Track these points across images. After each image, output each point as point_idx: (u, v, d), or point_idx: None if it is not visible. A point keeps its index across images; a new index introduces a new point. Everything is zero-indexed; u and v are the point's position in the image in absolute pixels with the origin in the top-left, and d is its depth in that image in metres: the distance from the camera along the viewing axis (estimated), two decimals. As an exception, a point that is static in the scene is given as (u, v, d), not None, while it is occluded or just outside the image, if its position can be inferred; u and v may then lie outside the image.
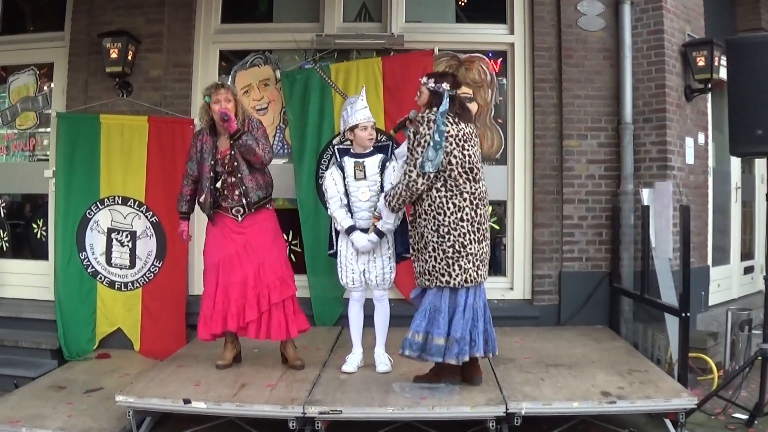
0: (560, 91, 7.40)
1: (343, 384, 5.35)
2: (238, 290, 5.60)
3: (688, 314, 5.66)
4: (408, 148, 5.15)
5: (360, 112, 5.61)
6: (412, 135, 5.12)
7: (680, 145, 7.29)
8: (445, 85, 5.18)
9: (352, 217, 5.60)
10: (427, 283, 5.17)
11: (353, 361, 5.68)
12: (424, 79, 5.30)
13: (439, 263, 5.09)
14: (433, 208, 5.10)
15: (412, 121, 5.32)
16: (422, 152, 5.01)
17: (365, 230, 5.54)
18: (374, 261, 5.62)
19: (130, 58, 7.29)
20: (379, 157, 5.66)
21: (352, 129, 5.64)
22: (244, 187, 5.60)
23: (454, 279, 5.08)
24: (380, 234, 5.50)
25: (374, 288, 5.67)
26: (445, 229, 5.07)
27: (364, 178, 5.58)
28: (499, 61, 7.75)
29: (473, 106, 7.64)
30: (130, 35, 7.28)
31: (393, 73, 7.33)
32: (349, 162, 5.65)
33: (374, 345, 5.75)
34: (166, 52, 7.51)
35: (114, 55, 7.20)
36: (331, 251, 5.87)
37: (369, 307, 5.78)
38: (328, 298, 7.24)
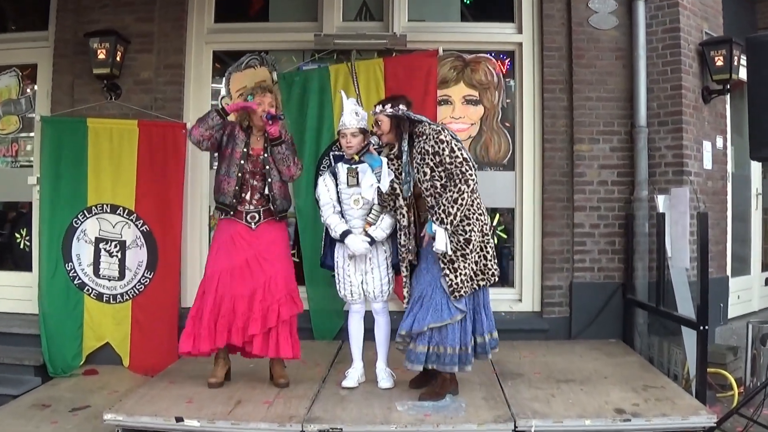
0: (571, 93, 7.43)
1: (344, 400, 5.35)
2: (245, 303, 5.57)
3: (707, 327, 5.66)
4: (455, 166, 5.16)
5: (342, 118, 5.68)
6: (445, 143, 5.19)
7: (697, 149, 7.31)
8: (403, 107, 5.40)
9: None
10: (475, 287, 5.33)
11: (354, 376, 5.69)
12: (378, 108, 5.46)
13: (489, 261, 5.36)
14: (474, 209, 5.25)
15: (375, 147, 5.56)
16: (468, 161, 5.21)
17: None
18: (372, 272, 5.66)
19: (118, 59, 7.31)
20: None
21: (338, 135, 5.76)
22: (272, 193, 5.65)
23: (493, 276, 5.40)
24: (371, 240, 5.56)
25: (373, 300, 5.70)
26: (486, 228, 5.37)
27: (357, 184, 5.61)
28: (507, 61, 7.78)
29: (479, 109, 7.67)
30: (119, 35, 7.30)
31: (395, 75, 7.36)
32: (342, 168, 5.69)
33: (375, 359, 5.76)
34: (156, 52, 7.54)
35: (101, 56, 7.22)
36: (322, 261, 5.92)
37: (369, 320, 5.79)
38: (327, 310, 7.25)
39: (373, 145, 5.57)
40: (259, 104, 5.64)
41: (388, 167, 5.43)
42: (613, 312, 7.31)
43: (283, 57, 7.84)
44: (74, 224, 7.27)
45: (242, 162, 5.63)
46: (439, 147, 5.20)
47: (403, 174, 5.39)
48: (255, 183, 5.67)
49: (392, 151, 5.61)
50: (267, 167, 5.65)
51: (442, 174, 5.21)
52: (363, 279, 5.67)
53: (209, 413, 5.06)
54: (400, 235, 5.50)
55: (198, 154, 7.48)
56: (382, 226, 5.57)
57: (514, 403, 5.24)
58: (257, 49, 7.80)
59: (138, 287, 7.26)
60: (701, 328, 5.67)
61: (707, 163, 7.46)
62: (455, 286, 5.21)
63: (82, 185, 7.27)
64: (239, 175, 5.62)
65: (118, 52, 7.29)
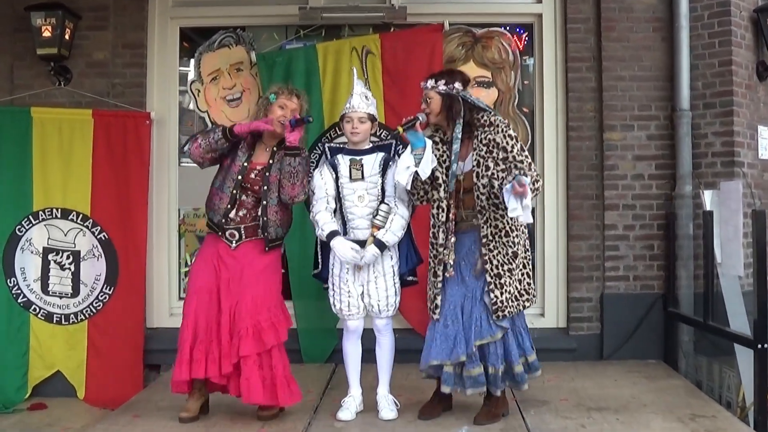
0: (600, 72, 7.43)
1: (340, 434, 5.34)
2: (212, 332, 5.51)
3: (766, 346, 5.62)
4: (525, 166, 5.24)
5: (350, 100, 5.64)
6: (514, 140, 5.28)
7: (751, 136, 7.32)
8: (458, 86, 5.37)
9: (345, 226, 5.60)
10: (528, 304, 5.48)
11: (351, 406, 5.65)
12: (430, 83, 5.42)
13: (531, 280, 5.51)
14: (520, 222, 5.31)
15: (422, 124, 5.41)
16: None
17: (362, 242, 5.52)
18: (375, 282, 5.60)
19: (67, 37, 7.31)
20: (379, 155, 5.64)
21: (341, 119, 5.70)
22: (265, 218, 5.54)
23: (534, 298, 5.58)
24: (381, 246, 5.49)
25: (376, 316, 5.64)
26: (528, 244, 5.53)
27: (362, 178, 5.57)
28: (524, 36, 7.79)
29: (492, 92, 7.67)
30: (67, 9, 7.27)
31: (394, 54, 7.36)
32: (343, 160, 5.64)
33: (376, 386, 5.71)
34: (113, 29, 7.53)
35: (47, 34, 7.20)
36: (316, 271, 5.85)
37: (367, 340, 5.75)
38: (318, 329, 7.25)
39: (421, 121, 5.43)
40: (282, 107, 5.56)
41: (432, 152, 5.40)
42: (652, 328, 7.30)
43: (262, 34, 7.84)
44: (17, 232, 7.26)
45: (239, 177, 5.55)
46: (507, 142, 5.26)
47: (452, 164, 5.37)
48: (245, 199, 5.58)
49: (438, 134, 5.56)
50: (266, 187, 5.54)
51: (502, 173, 5.23)
52: (364, 290, 5.61)
53: (182, 452, 5.03)
54: (437, 232, 5.46)
55: (165, 149, 7.50)
56: (393, 229, 5.49)
57: (539, 435, 5.22)
58: (232, 25, 7.80)
59: (95, 305, 7.24)
60: (759, 346, 5.63)
61: (763, 152, 7.47)
62: (500, 305, 5.27)
63: (26, 186, 7.27)
64: (233, 192, 5.54)
65: (67, 29, 7.28)
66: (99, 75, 7.48)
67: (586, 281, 7.44)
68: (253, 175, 5.55)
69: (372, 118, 5.62)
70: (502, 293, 5.26)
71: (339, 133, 7.23)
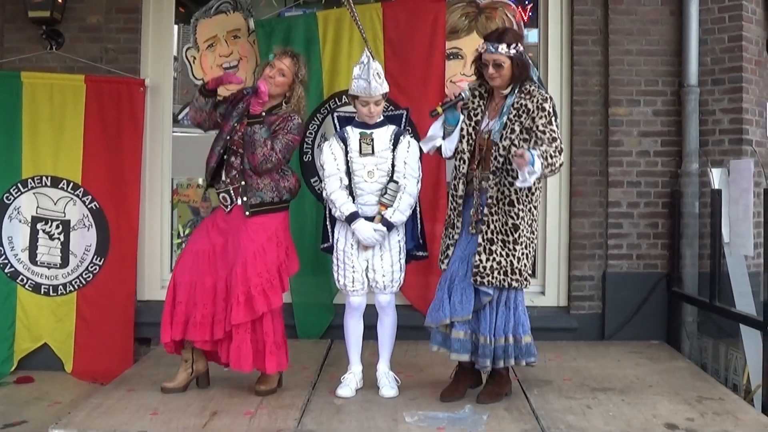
0: (606, 45, 7.39)
1: (340, 411, 5.30)
2: (207, 296, 5.51)
3: (774, 327, 5.64)
4: (540, 125, 5.22)
5: (358, 82, 5.51)
6: (546, 113, 5.23)
7: (760, 113, 7.28)
8: (521, 48, 5.32)
9: (353, 202, 5.55)
10: (516, 285, 5.31)
11: (351, 382, 5.62)
12: (502, 47, 5.24)
13: (528, 262, 5.39)
14: (532, 199, 5.32)
15: (465, 103, 5.39)
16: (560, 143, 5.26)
17: (370, 219, 5.48)
18: (380, 257, 5.56)
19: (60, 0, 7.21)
20: (390, 129, 5.60)
21: (353, 99, 5.62)
22: (243, 182, 5.50)
23: (527, 281, 5.42)
24: (389, 226, 5.46)
25: (379, 292, 5.61)
26: (536, 226, 5.46)
27: (372, 153, 5.52)
28: (529, 7, 7.75)
29: (497, 65, 7.61)
30: (60, -30, 7.20)
31: (396, 23, 7.31)
32: (353, 133, 5.58)
33: (375, 362, 5.71)
34: (107, -8, 7.45)
35: (39, -5, 7.13)
36: (325, 245, 5.79)
37: (367, 316, 5.73)
38: (313, 304, 7.23)
39: (464, 100, 5.36)
40: (272, 67, 5.52)
41: (466, 109, 5.39)
42: (655, 308, 7.30)
43: (261, 0, 7.77)
44: (5, 200, 7.23)
45: (227, 137, 5.55)
46: (538, 113, 5.22)
47: (488, 120, 5.37)
48: (234, 160, 5.55)
49: (481, 88, 5.49)
50: (242, 149, 5.53)
51: (524, 142, 5.21)
52: (369, 265, 5.57)
53: (179, 427, 4.98)
54: (457, 184, 5.40)
55: (159, 117, 7.46)
56: (401, 208, 5.46)
57: (544, 415, 5.19)
58: (230, -10, 7.75)
59: (85, 276, 7.21)
60: (767, 328, 5.61)
61: (772, 130, 7.46)
62: (481, 270, 5.23)
63: (15, 153, 7.23)
64: (221, 152, 5.55)
65: (60, -8, 7.20)
66: (92, 40, 7.40)
67: (589, 259, 7.42)
68: (237, 138, 5.53)
69: (385, 95, 5.58)
70: (487, 260, 5.22)
71: (339, 103, 7.20)
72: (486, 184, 5.29)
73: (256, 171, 5.46)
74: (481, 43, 5.37)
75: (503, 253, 5.25)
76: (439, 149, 5.45)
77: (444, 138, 5.36)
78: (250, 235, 5.50)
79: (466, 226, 5.39)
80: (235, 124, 5.55)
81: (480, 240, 5.26)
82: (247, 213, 5.50)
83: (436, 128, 5.36)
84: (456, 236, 5.41)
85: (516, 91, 5.34)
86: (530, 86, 5.35)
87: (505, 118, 5.28)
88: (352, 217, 5.46)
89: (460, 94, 5.35)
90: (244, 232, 5.50)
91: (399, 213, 5.46)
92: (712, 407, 5.35)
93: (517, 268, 5.27)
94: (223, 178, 5.57)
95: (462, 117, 5.38)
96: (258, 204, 5.50)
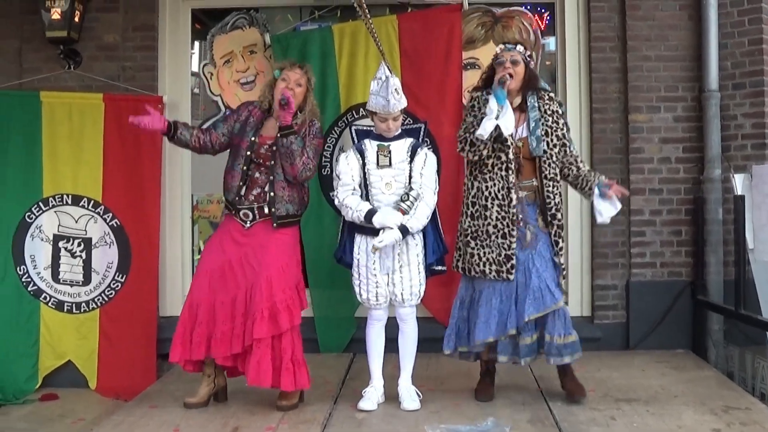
0: (624, 51, 7.37)
1: (362, 425, 5.31)
2: (226, 312, 5.53)
3: (802, 334, 5.61)
4: (566, 131, 5.65)
5: (376, 99, 5.53)
6: (563, 125, 5.62)
7: (783, 117, 7.24)
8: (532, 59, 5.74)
9: None
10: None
11: (372, 396, 5.62)
12: (519, 48, 5.58)
13: None
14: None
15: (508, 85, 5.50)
16: None
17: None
18: (400, 271, 5.57)
19: (77, 19, 7.27)
20: (408, 141, 5.62)
21: (371, 115, 5.65)
22: (272, 194, 5.55)
23: None
24: (404, 231, 5.44)
25: (399, 305, 5.62)
26: None
27: (389, 165, 5.54)
28: (546, 15, 7.75)
29: (514, 73, 7.63)
30: (76, -10, 7.25)
31: (412, 34, 7.32)
32: (371, 146, 5.60)
33: (397, 376, 5.70)
34: (123, 11, 7.51)
35: (56, 16, 7.17)
36: (339, 257, 5.79)
37: (389, 328, 5.74)
38: (335, 318, 7.23)
39: (508, 81, 5.43)
40: (284, 80, 5.59)
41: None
42: (680, 317, 7.27)
43: (276, 15, 7.82)
44: (27, 219, 7.27)
45: (248, 153, 5.58)
46: (563, 118, 5.61)
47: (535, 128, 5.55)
48: (258, 176, 5.60)
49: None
50: (273, 161, 5.56)
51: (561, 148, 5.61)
52: (389, 278, 5.58)
53: (200, 442, 5.02)
54: (506, 194, 5.48)
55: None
56: (418, 215, 5.45)
57: (567, 427, 5.17)
58: (245, 6, 7.79)
59: (107, 293, 7.25)
60: (795, 335, 5.60)
61: (794, 134, 7.38)
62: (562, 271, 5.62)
63: (36, 172, 7.27)
64: (244, 168, 5.57)
65: (77, 11, 7.25)
66: (109, 58, 7.46)
67: (612, 268, 7.40)
68: (263, 150, 5.59)
69: (403, 111, 5.62)
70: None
71: (356, 116, 7.22)
72: (552, 190, 5.52)
73: (295, 181, 5.55)
74: (498, 48, 5.64)
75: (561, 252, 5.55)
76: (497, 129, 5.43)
77: (497, 119, 5.36)
78: (275, 251, 5.55)
79: (522, 234, 5.52)
80: (253, 138, 5.59)
81: (550, 242, 5.55)
82: (275, 225, 5.55)
83: (490, 108, 5.38)
84: (514, 245, 5.48)
85: (537, 98, 5.55)
86: (545, 93, 5.59)
87: (534, 127, 5.49)
88: (370, 214, 5.44)
89: (505, 74, 5.42)
90: (269, 249, 5.54)
91: (415, 220, 5.45)
92: (738, 417, 5.30)
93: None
94: (245, 194, 5.59)
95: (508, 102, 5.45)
96: (284, 216, 5.58)
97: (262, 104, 5.72)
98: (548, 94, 5.65)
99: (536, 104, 5.54)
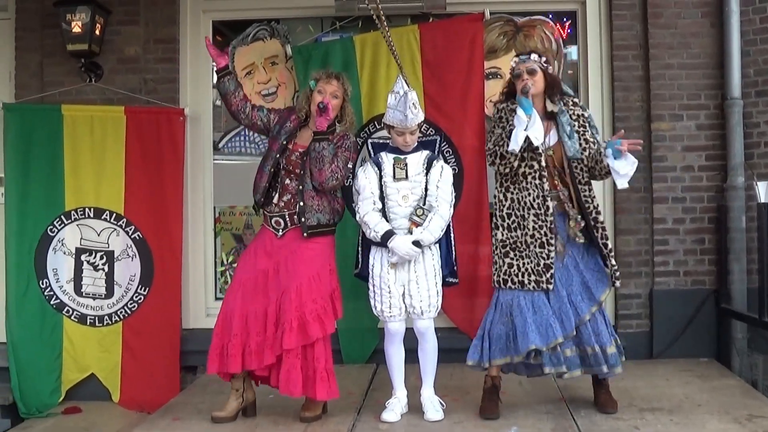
0: (647, 60, 7.38)
1: (385, 436, 5.36)
2: (259, 323, 5.57)
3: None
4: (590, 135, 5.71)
5: (394, 113, 5.55)
6: (581, 120, 5.67)
7: (807, 125, 7.24)
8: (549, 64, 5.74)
9: None
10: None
11: (395, 407, 5.65)
12: (534, 56, 5.60)
13: None
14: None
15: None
16: None
17: None
18: (416, 282, 5.58)
19: (98, 32, 7.35)
20: (423, 154, 5.64)
21: (388, 128, 5.68)
22: (302, 203, 5.60)
23: None
24: (417, 244, 5.46)
25: (417, 317, 5.61)
26: None
27: (406, 178, 5.57)
28: (568, 24, 7.77)
29: (536, 83, 7.65)
30: (97, 4, 7.31)
31: (433, 44, 7.35)
32: (387, 158, 5.63)
33: (420, 386, 5.72)
34: (144, 24, 7.59)
35: (77, 30, 7.24)
36: (358, 271, 5.85)
37: (408, 340, 5.74)
38: (358, 329, 7.22)
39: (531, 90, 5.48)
40: (320, 92, 5.63)
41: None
42: (704, 325, 7.27)
43: (297, 26, 7.86)
44: (49, 233, 7.33)
45: (277, 156, 5.63)
46: (588, 121, 5.69)
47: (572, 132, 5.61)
48: (289, 183, 5.66)
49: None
50: (302, 171, 5.62)
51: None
52: (405, 290, 5.60)
53: (224, 454, 5.06)
54: (542, 203, 5.51)
55: (200, 146, 7.58)
56: (431, 228, 5.46)
57: (591, 436, 5.20)
58: (266, 17, 7.82)
59: (130, 306, 7.30)
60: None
61: (816, 142, 7.38)
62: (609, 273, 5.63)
63: (58, 186, 7.34)
64: (272, 170, 5.62)
65: (98, 24, 7.32)
66: (130, 71, 7.53)
67: (635, 277, 7.40)
68: (294, 158, 5.64)
69: (421, 125, 5.66)
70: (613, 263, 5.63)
71: (378, 127, 7.25)
72: (588, 194, 5.60)
73: (321, 187, 5.59)
74: (512, 60, 5.66)
75: (601, 255, 5.60)
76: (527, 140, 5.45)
77: (526, 129, 5.39)
78: (305, 260, 5.59)
79: (560, 242, 5.57)
80: (285, 143, 5.65)
81: (592, 247, 5.60)
82: (305, 234, 5.58)
83: (519, 121, 5.41)
84: (553, 254, 5.50)
85: (563, 104, 5.59)
86: (569, 99, 5.67)
87: (570, 130, 5.55)
88: (387, 236, 5.47)
89: (524, 86, 5.45)
90: (300, 257, 5.59)
91: (428, 233, 5.45)
92: (763, 426, 5.30)
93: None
94: (276, 201, 5.65)
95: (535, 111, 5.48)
96: (315, 225, 5.60)
97: (299, 112, 5.76)
98: (572, 100, 5.70)
99: (564, 108, 5.58)
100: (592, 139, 5.62)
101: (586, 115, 5.70)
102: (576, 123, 5.60)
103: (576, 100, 5.77)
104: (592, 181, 5.63)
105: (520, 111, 5.32)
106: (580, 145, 5.55)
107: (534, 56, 5.57)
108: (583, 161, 5.55)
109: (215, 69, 5.76)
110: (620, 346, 5.64)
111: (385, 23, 5.85)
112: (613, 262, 5.57)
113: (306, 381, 5.49)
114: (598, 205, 5.64)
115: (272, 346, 5.50)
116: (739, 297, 7.06)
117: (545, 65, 5.58)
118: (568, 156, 5.52)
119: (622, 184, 5.44)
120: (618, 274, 5.57)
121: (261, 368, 5.54)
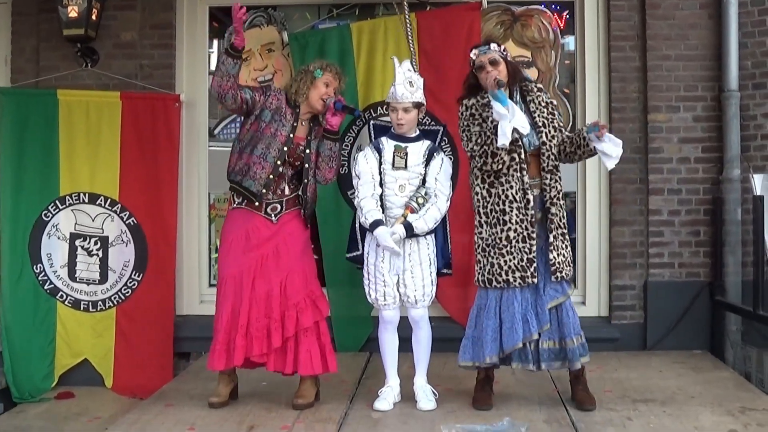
0: (644, 51, 7.37)
1: (378, 424, 5.34)
2: (262, 307, 5.55)
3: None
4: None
5: (394, 88, 5.54)
6: (549, 107, 5.59)
7: (803, 118, 7.23)
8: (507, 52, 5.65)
9: (382, 213, 5.56)
10: (571, 274, 5.69)
11: (388, 396, 5.65)
12: (494, 46, 5.52)
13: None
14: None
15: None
16: None
17: None
18: (411, 271, 5.57)
19: (94, 17, 7.31)
20: (425, 144, 5.61)
21: (387, 106, 5.69)
22: (306, 196, 5.66)
23: None
24: (409, 229, 5.44)
25: (411, 306, 5.62)
26: None
27: (405, 167, 5.54)
28: (565, 14, 7.77)
29: (532, 72, 7.64)
30: (94, -13, 7.30)
31: (431, 33, 7.34)
32: (388, 145, 5.61)
33: (413, 375, 5.72)
34: (141, 9, 7.57)
35: (73, 14, 7.19)
36: (350, 254, 5.85)
37: (403, 328, 5.75)
38: (352, 317, 7.25)
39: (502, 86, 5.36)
40: (326, 84, 5.63)
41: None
42: (698, 317, 7.27)
43: (294, 13, 7.85)
44: (44, 218, 7.33)
45: (285, 149, 5.58)
46: (555, 109, 5.63)
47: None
48: (289, 174, 5.66)
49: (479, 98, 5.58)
50: (307, 165, 5.63)
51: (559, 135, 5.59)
52: (399, 279, 5.59)
53: (216, 441, 5.05)
54: (524, 195, 5.43)
55: (195, 132, 7.57)
56: (426, 217, 5.45)
57: (583, 427, 5.19)
58: (263, 4, 7.82)
59: (124, 292, 7.31)
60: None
61: (813, 135, 7.38)
62: (557, 266, 5.47)
63: (53, 171, 7.33)
64: (277, 162, 5.57)
65: (94, 9, 7.27)
66: (127, 56, 7.52)
67: (629, 268, 7.41)
68: (299, 151, 5.64)
69: (418, 105, 5.55)
70: (558, 255, 5.43)
71: (373, 115, 7.27)
72: (549, 183, 5.48)
73: (325, 182, 5.77)
74: (472, 53, 5.56)
75: (564, 245, 5.51)
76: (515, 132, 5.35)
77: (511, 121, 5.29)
78: (303, 241, 5.72)
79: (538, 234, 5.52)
80: (291, 136, 5.60)
81: (551, 238, 5.46)
82: (308, 226, 5.74)
83: (498, 114, 5.26)
84: (535, 248, 5.45)
85: (520, 91, 5.56)
86: (532, 85, 5.62)
87: (535, 118, 5.48)
88: (374, 225, 5.45)
89: (495, 79, 5.32)
90: (297, 239, 5.68)
91: (422, 221, 5.43)
92: (756, 418, 5.30)
93: (571, 258, 5.57)
94: (273, 188, 5.61)
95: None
96: (311, 215, 5.79)
97: (289, 97, 5.68)
98: (536, 86, 5.65)
99: (519, 98, 5.52)
100: (560, 126, 5.59)
101: (551, 101, 5.64)
102: (545, 110, 5.54)
103: (540, 86, 5.72)
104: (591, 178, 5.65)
105: (497, 105, 5.19)
106: (548, 132, 5.49)
107: (494, 46, 5.50)
108: (551, 149, 5.48)
109: (234, 46, 5.49)
110: (585, 342, 5.57)
111: (405, 6, 5.83)
112: (565, 255, 5.50)
113: (321, 357, 5.60)
114: (560, 191, 5.53)
115: (278, 330, 5.51)
116: (733, 289, 7.06)
117: (504, 53, 5.52)
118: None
119: (612, 165, 5.41)
120: (554, 268, 5.43)
121: (261, 354, 5.52)
